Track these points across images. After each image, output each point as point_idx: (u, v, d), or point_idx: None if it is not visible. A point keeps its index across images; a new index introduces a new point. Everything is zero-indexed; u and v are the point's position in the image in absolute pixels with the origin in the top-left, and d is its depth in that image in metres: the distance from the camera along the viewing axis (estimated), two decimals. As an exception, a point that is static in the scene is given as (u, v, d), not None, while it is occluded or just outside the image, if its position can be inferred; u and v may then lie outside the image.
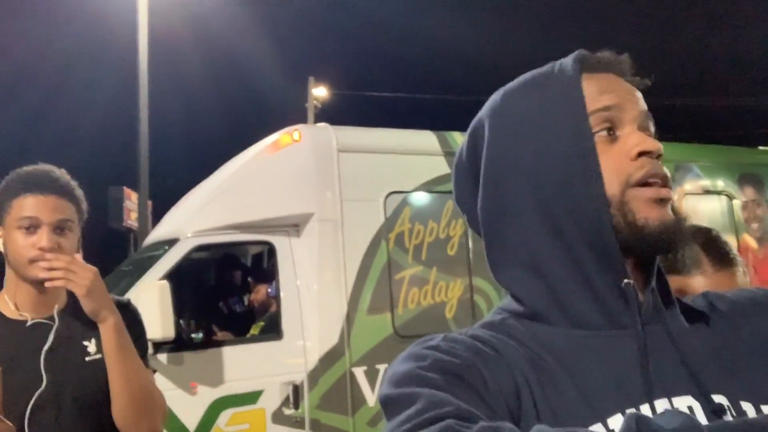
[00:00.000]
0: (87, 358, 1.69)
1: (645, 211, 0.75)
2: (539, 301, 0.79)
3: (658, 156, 0.77)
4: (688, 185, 5.70)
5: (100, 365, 1.70)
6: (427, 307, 4.71)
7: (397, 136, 5.18)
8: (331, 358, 4.36)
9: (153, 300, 3.81)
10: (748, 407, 0.73)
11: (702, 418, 0.70)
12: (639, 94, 0.82)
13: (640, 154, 0.76)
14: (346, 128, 4.99)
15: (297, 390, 4.27)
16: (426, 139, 5.08)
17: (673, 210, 0.77)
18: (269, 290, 4.79)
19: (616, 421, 0.69)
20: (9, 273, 1.70)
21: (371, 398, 4.42)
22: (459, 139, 5.08)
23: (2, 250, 1.65)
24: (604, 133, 0.77)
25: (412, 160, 4.92)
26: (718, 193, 5.98)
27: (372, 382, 4.44)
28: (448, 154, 4.98)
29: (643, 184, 0.76)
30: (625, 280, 0.75)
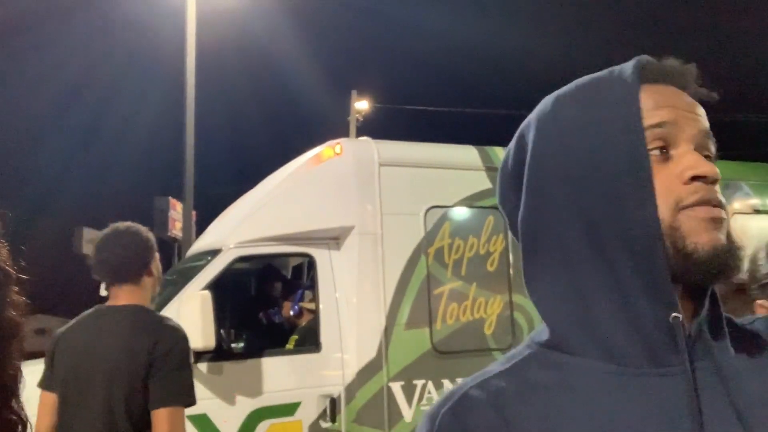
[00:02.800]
0: None
1: (695, 236, 0.68)
2: (569, 327, 0.73)
3: (714, 181, 0.71)
4: (738, 204, 5.56)
5: None
6: (466, 323, 4.67)
7: (439, 151, 5.18)
8: (368, 371, 4.35)
9: (195, 310, 3.86)
10: None
11: None
12: (701, 111, 0.75)
13: (694, 178, 0.70)
14: (387, 142, 5.01)
15: (334, 403, 4.27)
16: (468, 153, 5.07)
17: (729, 235, 0.71)
18: (304, 302, 4.81)
19: None
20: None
21: (408, 414, 4.39)
22: (501, 155, 5.00)
23: None
24: (657, 151, 0.71)
25: (454, 174, 4.90)
26: (769, 212, 5.82)
27: (409, 398, 4.42)
28: (489, 169, 4.95)
29: (694, 206, 0.70)
30: (673, 314, 0.68)
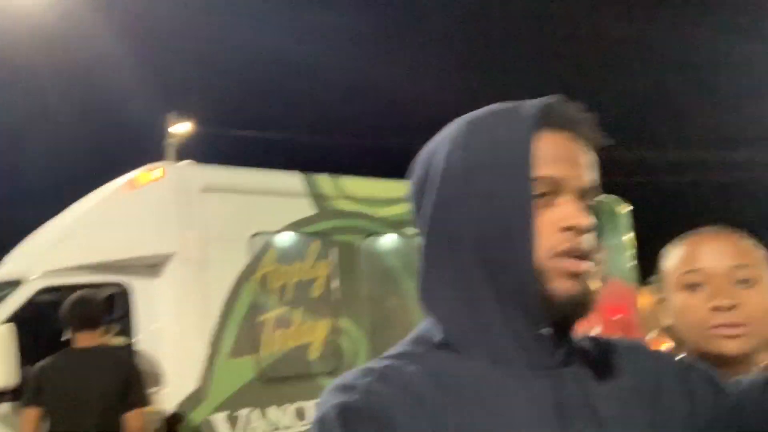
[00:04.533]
0: None
1: (557, 283, 0.79)
2: (463, 332, 0.82)
3: (587, 230, 0.81)
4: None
5: None
6: (292, 349, 4.67)
7: (264, 177, 5.17)
8: (189, 404, 4.20)
9: (-7, 346, 3.53)
10: None
11: None
12: (591, 161, 0.86)
13: (569, 228, 0.80)
14: (210, 167, 4.92)
15: (152, 439, 4.06)
16: (292, 180, 5.11)
17: (586, 284, 0.81)
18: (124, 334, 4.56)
19: None
20: None
21: (232, 445, 4.29)
22: (325, 182, 5.15)
23: None
24: (543, 198, 0.81)
25: (278, 201, 4.92)
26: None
27: (232, 429, 4.31)
28: (314, 195, 5.03)
29: (565, 255, 0.80)
30: (543, 330, 0.81)
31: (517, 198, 0.80)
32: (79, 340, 3.39)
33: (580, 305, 0.81)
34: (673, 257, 1.28)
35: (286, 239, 4.92)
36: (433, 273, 0.86)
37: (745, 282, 1.20)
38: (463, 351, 0.82)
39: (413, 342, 0.87)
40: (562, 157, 0.83)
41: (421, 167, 0.89)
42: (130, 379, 3.37)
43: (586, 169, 0.84)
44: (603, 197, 7.15)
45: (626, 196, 7.30)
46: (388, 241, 5.37)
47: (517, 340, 0.81)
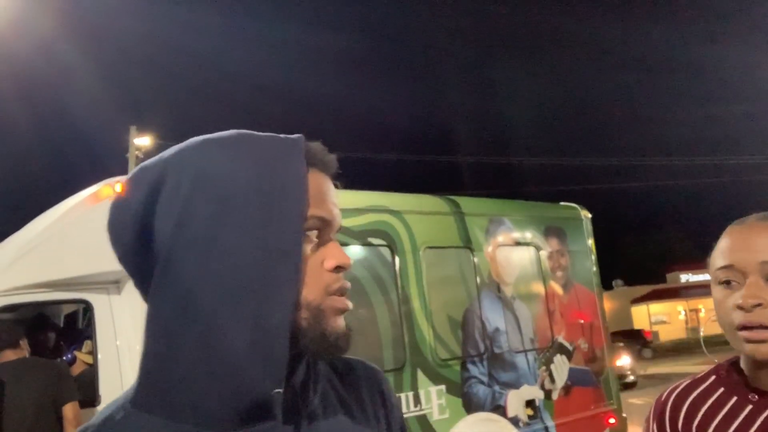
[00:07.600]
0: None
1: (332, 321, 0.79)
2: (168, 391, 0.75)
3: (346, 269, 0.82)
4: (501, 237, 6.16)
5: None
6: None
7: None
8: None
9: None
10: None
11: None
12: (337, 200, 0.84)
13: (338, 267, 0.80)
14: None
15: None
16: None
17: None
18: (80, 352, 4.47)
19: None
20: None
21: (199, 462, 4.22)
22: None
23: None
24: (315, 238, 0.80)
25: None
26: (527, 244, 6.52)
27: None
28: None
29: (335, 293, 0.80)
30: (276, 390, 0.74)
31: (289, 237, 0.76)
32: (5, 357, 3.84)
33: (346, 343, 0.80)
34: (715, 250, 1.16)
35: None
36: (158, 312, 0.79)
37: None
38: (167, 414, 0.75)
39: (121, 404, 0.80)
40: (327, 197, 0.81)
41: (146, 199, 0.80)
42: (59, 377, 3.82)
43: (338, 211, 0.84)
44: (565, 204, 7.25)
45: (587, 202, 7.42)
46: (353, 251, 5.37)
47: (239, 399, 0.74)
